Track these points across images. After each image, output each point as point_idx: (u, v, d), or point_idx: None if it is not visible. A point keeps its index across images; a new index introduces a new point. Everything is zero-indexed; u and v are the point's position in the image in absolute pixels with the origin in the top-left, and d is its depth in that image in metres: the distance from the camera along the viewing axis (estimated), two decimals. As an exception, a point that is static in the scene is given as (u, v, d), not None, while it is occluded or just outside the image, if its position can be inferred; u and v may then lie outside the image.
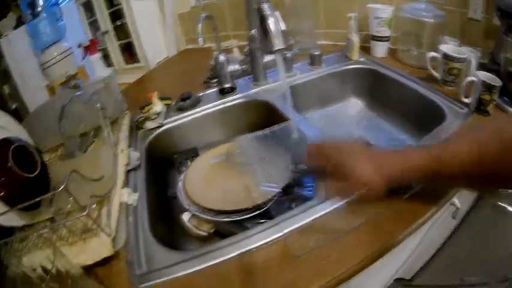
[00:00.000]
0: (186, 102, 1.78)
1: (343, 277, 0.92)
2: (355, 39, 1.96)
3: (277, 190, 1.26)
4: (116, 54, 2.61)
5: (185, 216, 1.30)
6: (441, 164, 0.91)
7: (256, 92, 1.85)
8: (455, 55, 1.56)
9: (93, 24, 2.54)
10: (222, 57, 1.75)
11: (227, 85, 1.83)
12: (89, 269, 1.03)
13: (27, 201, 1.04)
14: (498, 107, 1.46)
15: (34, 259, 0.98)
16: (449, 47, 1.62)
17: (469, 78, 1.43)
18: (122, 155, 1.41)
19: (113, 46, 2.57)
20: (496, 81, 1.36)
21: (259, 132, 1.43)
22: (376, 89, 1.95)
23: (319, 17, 2.28)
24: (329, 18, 2.28)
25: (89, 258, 1.03)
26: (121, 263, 1.06)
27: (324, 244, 0.98)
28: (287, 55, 1.89)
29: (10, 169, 1.11)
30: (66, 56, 2.10)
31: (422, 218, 1.03)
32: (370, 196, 0.97)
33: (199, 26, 1.52)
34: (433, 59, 1.65)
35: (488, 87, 1.37)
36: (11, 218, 1.11)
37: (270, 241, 1.02)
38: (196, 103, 1.81)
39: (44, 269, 0.90)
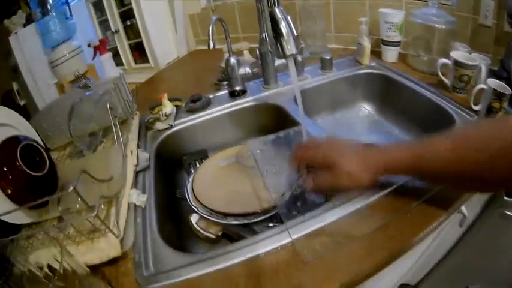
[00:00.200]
0: (196, 104, 1.78)
1: (350, 284, 0.92)
2: (366, 44, 1.95)
3: (287, 194, 1.25)
4: (125, 54, 2.62)
5: (193, 218, 1.31)
6: (421, 159, 0.94)
7: (266, 95, 1.85)
8: (466, 62, 1.55)
9: (103, 24, 2.55)
10: (233, 60, 1.75)
11: (238, 88, 1.83)
12: (96, 269, 1.04)
13: (34, 200, 1.04)
14: (508, 115, 1.44)
15: (41, 257, 0.99)
16: (459, 53, 1.61)
17: (480, 86, 1.43)
18: (131, 156, 1.42)
19: (123, 45, 2.59)
20: (506, 90, 1.36)
21: (270, 136, 1.43)
22: (386, 94, 1.94)
23: (329, 20, 2.28)
24: (340, 22, 2.28)
25: (96, 258, 1.04)
26: (128, 263, 1.07)
27: (333, 250, 0.98)
28: (298, 59, 1.89)
29: (18, 167, 1.11)
30: (76, 55, 2.11)
31: (430, 227, 1.02)
32: (353, 186, 1.02)
33: (210, 29, 1.52)
34: (444, 65, 1.65)
35: (498, 95, 1.37)
36: (19, 216, 1.12)
37: (279, 246, 1.02)
38: (207, 105, 1.81)
39: (51, 268, 0.90)
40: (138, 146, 1.54)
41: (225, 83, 1.97)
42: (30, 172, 1.13)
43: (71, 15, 2.14)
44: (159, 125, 1.68)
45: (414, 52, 1.93)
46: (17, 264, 0.99)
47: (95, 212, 0.98)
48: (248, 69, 1.81)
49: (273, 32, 1.23)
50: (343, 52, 2.23)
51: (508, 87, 1.36)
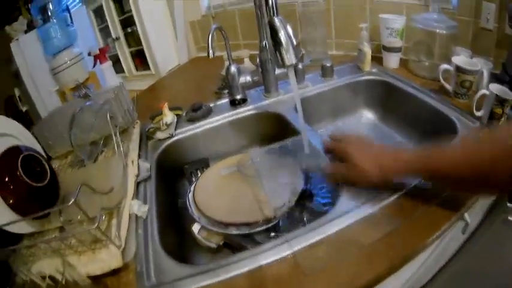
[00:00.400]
0: (197, 113, 1.78)
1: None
2: (367, 50, 1.94)
3: (288, 204, 1.25)
4: (126, 61, 2.62)
5: (195, 228, 1.30)
6: (431, 161, 1.00)
7: (267, 103, 1.84)
8: (468, 68, 1.54)
9: (104, 31, 2.56)
10: (233, 69, 1.74)
11: (238, 96, 1.83)
12: (97, 279, 1.04)
13: (36, 209, 1.04)
14: (510, 120, 1.44)
15: (43, 267, 1.01)
16: (461, 58, 1.61)
17: (482, 92, 1.42)
18: (131, 166, 1.41)
19: (124, 53, 2.59)
20: (509, 95, 1.35)
21: (271, 146, 1.43)
22: (387, 101, 1.93)
23: (330, 27, 2.28)
24: (340, 28, 2.28)
25: (98, 269, 1.04)
26: (130, 274, 1.06)
27: (334, 262, 0.98)
28: (298, 66, 1.88)
29: (19, 178, 1.11)
30: (77, 62, 2.11)
31: (433, 236, 1.02)
32: (362, 181, 1.15)
33: (210, 38, 1.51)
34: (446, 71, 1.64)
35: (500, 101, 1.36)
36: (21, 226, 1.12)
37: (280, 258, 1.01)
38: (207, 114, 1.80)
39: (53, 279, 0.91)
40: (139, 156, 1.54)
41: (226, 91, 1.97)
42: (31, 183, 1.13)
43: (71, 22, 2.14)
44: (159, 135, 1.68)
45: (415, 57, 1.93)
46: (19, 274, 0.99)
47: (96, 225, 0.99)
48: (248, 78, 1.80)
49: (272, 42, 1.22)
50: (344, 58, 2.23)
51: (510, 92, 1.35)
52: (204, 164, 1.73)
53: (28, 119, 2.03)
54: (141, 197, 1.34)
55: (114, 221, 1.17)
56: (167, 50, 2.69)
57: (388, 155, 1.13)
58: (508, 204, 1.40)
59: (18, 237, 1.15)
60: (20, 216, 1.09)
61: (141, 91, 2.43)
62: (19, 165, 1.12)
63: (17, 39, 2.05)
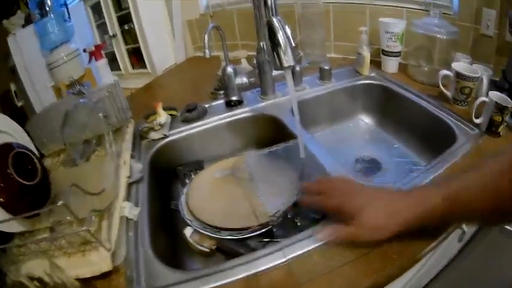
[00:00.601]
0: (192, 113, 1.75)
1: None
2: (366, 54, 1.94)
3: (282, 209, 1.23)
4: (123, 59, 2.62)
5: (187, 231, 1.28)
6: (457, 204, 0.87)
7: (263, 106, 1.83)
8: (468, 74, 1.53)
9: (102, 27, 2.55)
10: (229, 69, 1.73)
11: (234, 98, 1.81)
12: (87, 282, 1.02)
13: (27, 208, 1.05)
14: (509, 128, 1.44)
15: (33, 268, 0.99)
16: (461, 65, 1.60)
17: (481, 99, 1.42)
18: (124, 167, 1.39)
19: (121, 50, 2.58)
20: (509, 103, 1.34)
21: (266, 149, 1.42)
22: (386, 106, 1.93)
23: (329, 29, 2.27)
24: (339, 31, 2.27)
25: (88, 271, 1.02)
26: (120, 278, 1.04)
27: (329, 270, 0.96)
28: (296, 69, 1.87)
29: (10, 176, 1.09)
30: (73, 58, 2.09)
31: (430, 246, 1.00)
32: (379, 239, 0.94)
33: (206, 37, 1.49)
34: (445, 77, 1.63)
35: (500, 108, 1.35)
36: (11, 225, 1.11)
37: (273, 266, 1.00)
38: (202, 115, 1.79)
39: (41, 281, 0.92)
40: (132, 156, 1.51)
41: (222, 92, 1.95)
42: (22, 181, 1.11)
43: (69, 17, 2.12)
44: (153, 135, 1.66)
45: (415, 62, 1.92)
46: (9, 274, 0.99)
47: (85, 227, 0.97)
48: (245, 79, 1.79)
49: (270, 42, 1.20)
50: (343, 62, 2.23)
51: (510, 99, 1.34)
52: (198, 165, 1.72)
53: (24, 115, 2.01)
54: (132, 199, 1.32)
55: (104, 223, 1.15)
56: (164, 48, 2.68)
57: (406, 205, 0.93)
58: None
59: (8, 236, 1.13)
60: (10, 215, 1.07)
61: (137, 89, 2.42)
62: (9, 163, 1.10)
63: (14, 34, 2.04)
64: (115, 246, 1.08)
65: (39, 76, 2.12)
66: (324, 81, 1.97)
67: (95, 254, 1.04)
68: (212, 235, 1.22)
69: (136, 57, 2.61)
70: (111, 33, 2.53)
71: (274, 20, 1.19)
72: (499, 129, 1.40)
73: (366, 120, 2.05)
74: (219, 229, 1.23)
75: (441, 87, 1.66)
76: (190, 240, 1.26)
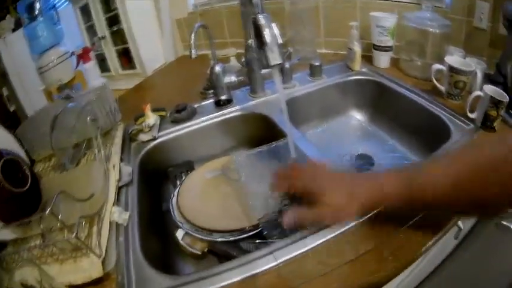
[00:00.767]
0: (181, 114, 1.74)
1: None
2: (357, 49, 1.93)
3: (274, 210, 1.21)
4: (112, 60, 2.59)
5: (179, 234, 1.27)
6: (415, 190, 0.88)
7: (253, 104, 1.81)
8: (462, 68, 1.52)
9: (91, 29, 2.52)
10: (218, 68, 1.70)
11: (223, 97, 1.79)
12: (78, 288, 1.01)
13: (17, 215, 1.06)
14: (504, 122, 1.43)
15: (26, 274, 0.97)
16: (454, 58, 1.59)
17: (476, 93, 1.40)
18: (113, 171, 1.38)
19: (110, 51, 2.55)
20: (504, 97, 1.33)
21: (255, 149, 1.41)
22: (378, 101, 1.92)
23: (319, 25, 2.26)
24: (330, 27, 2.26)
25: (79, 278, 1.01)
26: (112, 284, 1.04)
27: (322, 274, 0.95)
28: (286, 66, 1.85)
29: (-1, 183, 1.07)
30: (63, 61, 2.07)
31: (425, 247, 0.99)
32: (338, 221, 1.01)
33: (193, 37, 1.48)
34: (438, 71, 1.62)
35: (495, 103, 1.34)
36: (3, 232, 1.11)
37: (264, 270, 0.98)
38: (192, 115, 1.77)
39: None
40: (121, 159, 1.51)
41: (211, 91, 1.94)
42: (11, 188, 1.09)
43: (58, 20, 2.11)
44: (142, 137, 1.64)
45: (407, 57, 1.91)
46: (2, 282, 1.00)
47: (74, 233, 0.97)
48: (234, 78, 1.77)
49: (257, 40, 1.19)
50: (334, 57, 2.22)
51: (505, 94, 1.34)
52: (188, 166, 1.70)
53: (16, 119, 1.99)
54: (122, 203, 1.31)
55: (95, 229, 1.14)
56: (153, 48, 2.67)
57: (365, 186, 0.95)
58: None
59: (1, 244, 1.15)
60: (0, 223, 1.08)
61: (127, 91, 2.42)
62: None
63: (4, 38, 2.02)
64: (105, 252, 1.08)
65: (30, 80, 2.10)
66: (315, 77, 1.95)
67: (85, 261, 1.04)
68: (204, 237, 1.21)
69: (126, 58, 2.60)
70: (100, 35, 2.52)
71: (260, 17, 1.17)
72: (494, 124, 1.39)
73: (358, 116, 2.04)
74: (211, 231, 1.21)
75: (434, 81, 1.65)
76: (182, 243, 1.26)
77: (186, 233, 1.26)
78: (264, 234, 1.16)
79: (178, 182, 1.58)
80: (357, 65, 1.98)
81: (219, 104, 1.82)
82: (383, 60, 2.00)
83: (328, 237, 1.04)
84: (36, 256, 1.07)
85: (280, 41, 1.17)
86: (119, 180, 1.37)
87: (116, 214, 1.20)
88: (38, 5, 1.93)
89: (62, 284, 0.98)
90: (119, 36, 2.51)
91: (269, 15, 1.19)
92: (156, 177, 1.67)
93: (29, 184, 1.19)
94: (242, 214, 1.25)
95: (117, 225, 1.20)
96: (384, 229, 1.03)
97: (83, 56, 2.35)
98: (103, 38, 2.52)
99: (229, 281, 0.97)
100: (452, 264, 1.61)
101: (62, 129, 1.45)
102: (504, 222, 1.37)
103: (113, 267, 1.07)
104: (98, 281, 1.03)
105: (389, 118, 1.86)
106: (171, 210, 1.35)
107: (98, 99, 1.51)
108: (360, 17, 2.09)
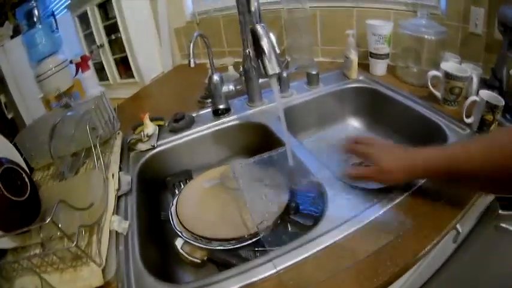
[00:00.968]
0: (179, 123, 1.74)
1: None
2: (354, 57, 1.93)
3: (270, 218, 1.22)
4: (111, 69, 2.59)
5: (178, 243, 1.28)
6: (455, 160, 1.01)
7: (251, 113, 1.82)
8: (458, 74, 1.53)
9: (89, 37, 2.52)
10: (216, 78, 1.71)
11: (221, 106, 1.80)
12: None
13: (17, 224, 1.05)
14: (501, 126, 1.43)
15: (26, 283, 1.01)
16: (450, 64, 1.60)
17: (472, 98, 1.41)
18: (112, 180, 1.38)
19: (108, 60, 2.56)
20: (500, 101, 1.34)
21: (254, 158, 1.41)
22: (375, 109, 1.92)
23: (316, 33, 2.27)
24: (326, 35, 2.27)
25: (80, 287, 1.01)
26: (112, 293, 1.03)
27: (320, 281, 0.95)
28: (283, 74, 1.86)
29: (-2, 192, 1.08)
30: (61, 69, 2.07)
31: (423, 251, 0.99)
32: (386, 182, 1.18)
33: (191, 46, 1.48)
34: (434, 77, 1.63)
35: (491, 107, 1.35)
36: (2, 241, 1.10)
37: (264, 277, 0.98)
38: (190, 124, 1.78)
39: None
40: (120, 168, 1.50)
41: (209, 100, 1.94)
42: (10, 197, 1.10)
43: (57, 28, 2.11)
44: (141, 146, 1.65)
45: (403, 64, 1.91)
46: None
47: (74, 242, 0.96)
48: (231, 87, 1.77)
49: (255, 50, 1.20)
50: (331, 66, 2.22)
51: (501, 98, 1.34)
52: (187, 176, 1.70)
53: (14, 127, 1.99)
54: (121, 212, 1.31)
55: (94, 238, 1.14)
56: (151, 57, 2.67)
57: (412, 156, 1.12)
58: (500, 211, 1.39)
59: (1, 253, 1.14)
60: (0, 232, 1.07)
61: (125, 100, 2.41)
62: (-1, 179, 1.09)
63: (3, 45, 2.02)
64: (105, 260, 1.08)
65: (29, 88, 2.10)
66: (312, 86, 1.96)
67: (86, 269, 1.04)
68: (203, 246, 1.22)
69: (124, 66, 2.60)
70: (98, 43, 2.52)
71: (258, 27, 1.18)
72: (491, 128, 1.40)
73: (355, 124, 2.05)
74: (210, 240, 1.22)
75: (430, 88, 1.65)
76: (182, 252, 1.26)
77: (185, 242, 1.26)
78: (263, 242, 1.16)
79: (177, 191, 1.59)
80: (354, 73, 1.98)
81: (217, 113, 1.82)
82: (379, 67, 2.01)
83: (327, 244, 1.04)
84: (36, 265, 1.06)
85: (278, 50, 1.18)
86: (118, 189, 1.37)
87: (116, 223, 1.20)
88: (36, 12, 1.94)
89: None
90: (117, 44, 2.51)
91: (266, 25, 1.21)
92: (155, 186, 1.66)
93: (28, 193, 1.19)
94: (241, 222, 1.25)
95: (117, 234, 1.20)
96: (382, 234, 1.03)
97: (81, 65, 2.35)
98: (101, 46, 2.52)
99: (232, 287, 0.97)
100: (451, 267, 1.61)
101: (60, 137, 1.46)
102: (503, 225, 1.39)
103: (113, 276, 1.07)
104: (100, 289, 1.02)
105: (386, 125, 1.86)
106: (170, 219, 1.35)
107: (96, 108, 1.51)
108: (356, 25, 2.10)
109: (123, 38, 2.45)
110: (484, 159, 0.95)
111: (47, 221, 0.91)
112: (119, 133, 1.71)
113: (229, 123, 1.78)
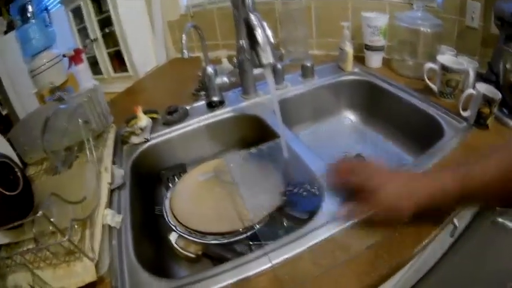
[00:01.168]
0: (173, 116, 1.74)
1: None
2: (349, 49, 1.93)
3: (268, 211, 1.22)
4: (104, 63, 2.58)
5: (172, 237, 1.26)
6: (468, 183, 0.90)
7: (245, 105, 1.81)
8: (454, 66, 1.52)
9: (83, 31, 2.51)
10: (209, 70, 1.70)
11: (215, 98, 1.79)
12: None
13: (9, 219, 1.03)
14: (497, 120, 1.43)
15: (19, 279, 1.00)
16: (446, 57, 1.59)
17: (469, 91, 1.40)
18: (105, 174, 1.37)
19: (102, 54, 2.54)
20: (496, 94, 1.33)
21: (248, 150, 1.40)
22: (371, 102, 1.92)
23: (311, 25, 2.26)
24: (321, 27, 2.26)
25: (73, 283, 1.00)
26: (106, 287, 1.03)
27: (316, 275, 0.94)
28: (278, 66, 1.85)
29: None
30: (55, 63, 2.06)
31: (421, 245, 0.99)
32: (396, 219, 0.99)
33: (184, 37, 1.47)
34: (431, 70, 1.62)
35: (488, 100, 1.34)
36: None
37: (259, 272, 0.97)
38: (184, 117, 1.77)
39: None
40: (114, 162, 1.49)
41: (203, 93, 1.93)
42: (3, 191, 1.08)
43: (50, 22, 2.10)
44: (134, 139, 1.64)
45: (399, 56, 1.91)
46: None
47: (66, 237, 0.95)
48: (225, 79, 1.77)
49: (249, 40, 1.18)
50: (326, 58, 2.21)
51: (497, 91, 1.34)
52: (181, 169, 1.70)
53: (9, 123, 1.98)
54: (115, 206, 1.30)
55: (87, 232, 1.12)
56: (145, 50, 2.66)
57: (420, 183, 0.98)
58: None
59: None
60: None
61: (118, 93, 2.40)
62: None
63: (-4, 41, 2.02)
64: (99, 255, 1.06)
65: (23, 83, 2.09)
66: (307, 78, 1.95)
67: (79, 265, 1.02)
68: (197, 240, 1.21)
69: (118, 60, 2.59)
70: (92, 37, 2.50)
71: (252, 16, 1.17)
72: (487, 122, 1.39)
73: (350, 117, 2.04)
74: (204, 234, 1.21)
75: (427, 80, 1.65)
76: (176, 246, 1.25)
77: (180, 236, 1.25)
78: (258, 235, 1.15)
79: (170, 185, 1.58)
80: (349, 65, 1.97)
81: (211, 106, 1.81)
82: (375, 60, 2.00)
83: (323, 238, 1.03)
84: (29, 261, 1.05)
85: (272, 40, 1.17)
86: (111, 183, 1.35)
87: (109, 217, 1.19)
88: (30, 7, 1.93)
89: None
90: (111, 38, 2.50)
91: (260, 15, 1.19)
92: (149, 180, 1.65)
93: (21, 187, 1.17)
94: (236, 216, 1.24)
95: (110, 228, 1.19)
96: (378, 229, 1.02)
97: (74, 58, 2.34)
98: (95, 40, 2.51)
99: (224, 283, 0.96)
100: (448, 262, 1.61)
101: (53, 131, 1.44)
102: (500, 220, 1.38)
103: (107, 271, 1.06)
104: (92, 285, 1.01)
105: (382, 118, 1.86)
106: (164, 213, 1.34)
107: (89, 101, 1.49)
108: (351, 18, 2.09)
109: (117, 31, 2.44)
110: (501, 187, 0.88)
111: (39, 214, 0.90)
112: (112, 126, 1.69)
113: (224, 116, 1.77)
